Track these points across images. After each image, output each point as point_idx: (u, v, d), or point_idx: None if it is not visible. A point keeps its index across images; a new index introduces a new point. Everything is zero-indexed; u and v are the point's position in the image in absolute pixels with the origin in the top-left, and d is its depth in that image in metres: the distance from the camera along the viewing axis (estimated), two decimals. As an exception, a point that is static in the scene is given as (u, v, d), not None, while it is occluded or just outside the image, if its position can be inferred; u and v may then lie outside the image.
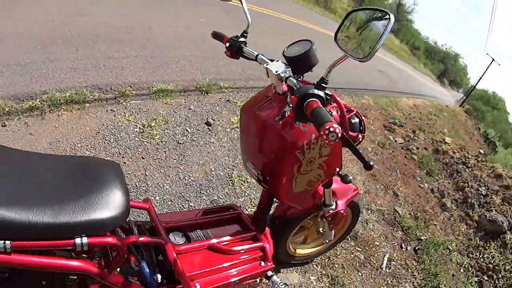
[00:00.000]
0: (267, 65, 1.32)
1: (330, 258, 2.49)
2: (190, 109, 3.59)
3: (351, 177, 1.62)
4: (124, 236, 1.37)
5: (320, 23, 12.20)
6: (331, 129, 0.93)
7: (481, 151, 8.18)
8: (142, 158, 2.76)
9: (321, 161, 1.38)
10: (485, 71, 30.68)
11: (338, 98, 1.36)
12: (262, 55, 1.44)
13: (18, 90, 2.97)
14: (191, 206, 2.49)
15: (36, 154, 1.33)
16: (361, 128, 1.49)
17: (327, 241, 2.08)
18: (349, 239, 2.74)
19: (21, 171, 1.20)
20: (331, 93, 1.23)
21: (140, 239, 1.33)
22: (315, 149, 1.32)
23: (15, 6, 4.34)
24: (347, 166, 3.70)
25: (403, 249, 2.94)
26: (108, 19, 4.99)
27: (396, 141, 4.96)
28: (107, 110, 3.15)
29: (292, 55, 1.29)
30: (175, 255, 1.38)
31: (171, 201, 2.46)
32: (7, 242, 1.05)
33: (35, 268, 1.12)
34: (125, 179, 1.31)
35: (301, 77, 1.32)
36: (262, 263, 1.64)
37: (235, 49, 1.56)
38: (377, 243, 2.84)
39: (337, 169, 1.51)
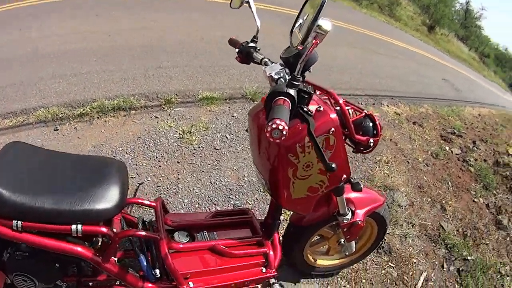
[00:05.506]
0: (265, 67, 1.33)
1: (358, 272, 2.38)
2: (233, 116, 3.67)
3: (362, 186, 1.57)
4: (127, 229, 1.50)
5: (386, 32, 11.83)
6: (274, 126, 0.92)
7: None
8: (178, 162, 2.88)
9: (322, 166, 1.32)
10: None
11: (339, 99, 1.33)
12: (267, 59, 1.45)
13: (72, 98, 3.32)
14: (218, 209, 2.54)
15: (59, 153, 1.54)
16: (374, 132, 1.43)
17: (347, 253, 2.01)
18: (382, 253, 2.60)
19: (39, 166, 1.40)
20: (310, 91, 1.19)
21: (137, 233, 1.42)
22: (311, 153, 1.29)
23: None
24: (392, 176, 3.52)
25: (445, 269, 2.70)
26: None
27: (452, 151, 4.59)
28: (151, 117, 3.35)
29: (286, 56, 1.28)
30: (167, 251, 1.43)
31: (198, 204, 2.54)
32: (19, 222, 1.28)
33: (40, 247, 1.31)
34: (127, 177, 1.46)
35: (302, 78, 1.27)
36: (264, 270, 1.63)
37: (245, 54, 1.59)
38: (415, 260, 2.65)
39: (344, 176, 1.45)
